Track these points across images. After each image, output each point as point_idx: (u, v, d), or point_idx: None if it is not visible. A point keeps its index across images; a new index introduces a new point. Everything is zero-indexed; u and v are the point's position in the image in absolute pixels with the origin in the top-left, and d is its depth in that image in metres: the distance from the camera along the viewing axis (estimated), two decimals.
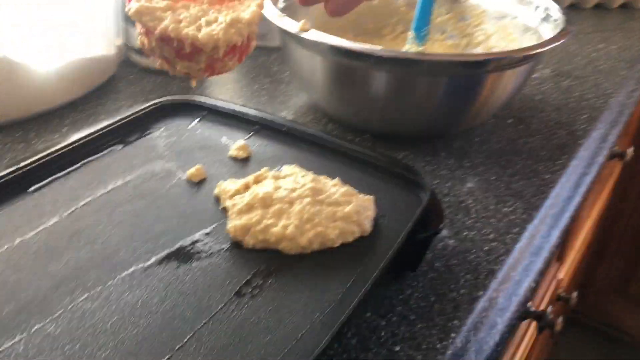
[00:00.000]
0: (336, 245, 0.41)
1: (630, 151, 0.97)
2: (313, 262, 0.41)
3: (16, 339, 0.33)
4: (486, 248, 0.51)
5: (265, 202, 0.42)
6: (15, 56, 0.59)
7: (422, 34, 0.71)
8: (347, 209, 0.42)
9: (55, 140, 0.56)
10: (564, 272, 0.91)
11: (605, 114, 0.75)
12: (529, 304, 0.65)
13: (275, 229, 0.40)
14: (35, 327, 0.34)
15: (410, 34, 0.71)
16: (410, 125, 0.63)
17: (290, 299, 0.37)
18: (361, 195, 0.45)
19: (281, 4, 0.68)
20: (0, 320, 0.34)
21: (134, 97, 0.70)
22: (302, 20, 0.57)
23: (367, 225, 0.43)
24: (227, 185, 0.45)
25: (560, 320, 0.83)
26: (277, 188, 0.44)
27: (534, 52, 0.57)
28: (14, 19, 0.58)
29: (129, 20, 0.73)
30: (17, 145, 0.59)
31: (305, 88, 0.67)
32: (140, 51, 0.74)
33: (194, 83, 0.43)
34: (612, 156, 0.96)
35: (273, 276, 0.39)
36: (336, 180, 0.47)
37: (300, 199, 0.42)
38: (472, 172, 0.61)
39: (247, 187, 0.45)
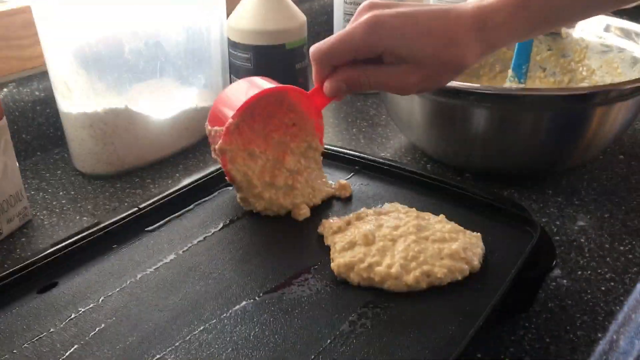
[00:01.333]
0: (444, 283, 0.41)
1: None
2: (421, 299, 0.40)
3: None
4: (603, 288, 0.48)
5: (368, 239, 0.43)
6: (135, 107, 0.64)
7: (522, 71, 0.70)
8: (454, 246, 0.42)
9: (169, 185, 0.60)
10: None
11: None
12: None
13: (380, 268, 0.40)
14: (157, 357, 0.35)
15: (510, 72, 0.70)
16: (514, 163, 0.62)
17: (399, 336, 0.37)
18: (468, 232, 0.45)
19: None
20: (125, 350, 0.36)
21: None
22: None
23: (476, 262, 0.42)
24: (331, 223, 0.46)
25: None
26: (380, 225, 0.44)
27: None
28: (136, 70, 0.63)
29: (234, 71, 0.78)
30: (135, 190, 0.63)
31: (404, 129, 0.68)
32: None
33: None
34: None
35: (381, 313, 0.39)
36: (441, 217, 0.46)
37: (404, 236, 0.42)
38: (583, 210, 0.58)
39: (349, 224, 0.46)
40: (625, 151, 0.69)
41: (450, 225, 0.44)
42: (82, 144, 0.64)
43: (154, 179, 0.66)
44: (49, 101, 0.69)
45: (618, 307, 0.46)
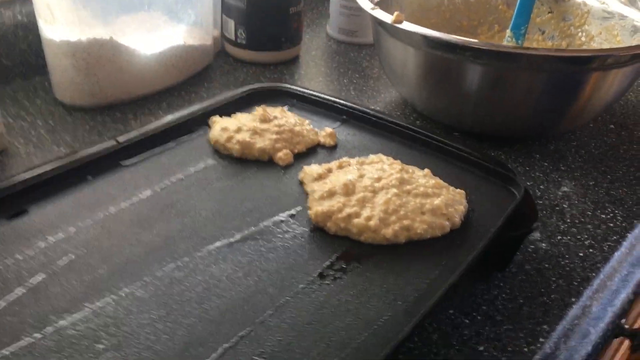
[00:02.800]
0: (424, 238, 0.40)
1: None
2: (398, 252, 0.40)
3: (107, 300, 0.34)
4: (581, 254, 0.48)
5: (348, 188, 0.42)
6: (121, 39, 0.62)
7: (520, 32, 0.68)
8: (437, 201, 0.41)
9: (151, 122, 0.58)
10: None
11: None
12: (623, 321, 0.61)
13: (358, 220, 0.40)
14: (126, 290, 0.35)
15: (508, 32, 0.69)
16: (504, 124, 0.61)
17: (372, 285, 0.36)
18: (452, 188, 0.44)
19: None
20: (93, 281, 0.35)
21: (227, 86, 0.72)
22: (396, 12, 0.56)
23: (457, 219, 0.41)
24: (311, 170, 0.45)
25: None
26: (361, 176, 0.43)
27: None
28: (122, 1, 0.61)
29: (227, 12, 0.75)
30: (116, 125, 0.62)
31: (396, 82, 0.66)
32: (235, 42, 0.76)
33: None
34: None
35: (356, 262, 0.38)
36: (426, 172, 0.46)
37: (385, 189, 0.41)
38: (568, 176, 0.58)
39: (330, 172, 0.45)
40: (617, 121, 0.68)
41: (435, 181, 0.44)
42: (64, 74, 0.62)
43: (136, 114, 0.64)
44: (32, 27, 0.67)
45: (594, 274, 0.46)
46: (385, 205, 0.40)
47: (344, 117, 0.55)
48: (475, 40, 0.53)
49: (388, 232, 0.39)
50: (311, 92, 0.57)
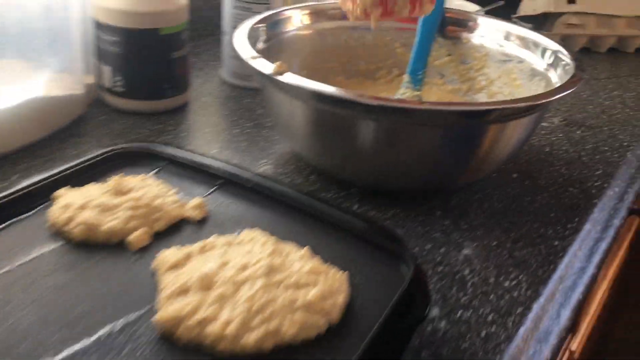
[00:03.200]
0: (295, 343, 0.33)
1: None
2: None
3: None
4: (483, 334, 0.43)
5: (205, 283, 0.35)
6: None
7: (418, 77, 0.64)
8: (312, 293, 0.35)
9: (1, 190, 0.50)
10: (577, 342, 0.82)
11: (622, 169, 0.67)
12: None
13: (213, 327, 0.32)
14: None
15: (406, 77, 0.64)
16: (402, 180, 0.56)
17: None
18: (332, 272, 0.38)
19: (261, 44, 0.62)
20: None
21: (100, 141, 0.64)
22: (278, 62, 0.51)
23: (335, 314, 0.35)
24: (166, 256, 0.38)
25: None
26: (225, 263, 0.36)
27: (540, 102, 0.50)
28: None
29: (101, 57, 0.67)
30: None
31: (286, 136, 0.60)
32: (111, 90, 0.68)
33: (373, 25, 0.50)
34: (630, 212, 0.88)
35: None
36: (304, 251, 0.39)
37: (251, 280, 0.35)
38: (470, 236, 0.53)
39: (189, 258, 0.38)
40: (520, 169, 0.65)
41: (312, 264, 0.37)
42: None
43: None
44: None
45: (498, 357, 0.41)
46: (249, 304, 0.33)
47: (220, 181, 0.48)
48: (364, 95, 0.48)
49: (249, 340, 0.32)
50: (182, 153, 0.50)
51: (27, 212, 0.43)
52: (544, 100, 0.51)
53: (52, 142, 0.62)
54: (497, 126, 0.53)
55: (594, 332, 1.02)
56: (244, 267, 0.36)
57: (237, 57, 0.79)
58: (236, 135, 0.68)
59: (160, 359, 0.32)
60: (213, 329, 0.32)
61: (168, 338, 0.33)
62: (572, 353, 0.76)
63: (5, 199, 0.42)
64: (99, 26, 0.66)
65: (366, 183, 0.57)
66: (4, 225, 0.41)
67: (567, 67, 0.59)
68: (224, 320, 0.33)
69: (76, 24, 0.64)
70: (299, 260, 0.38)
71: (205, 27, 0.96)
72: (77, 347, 0.32)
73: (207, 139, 0.67)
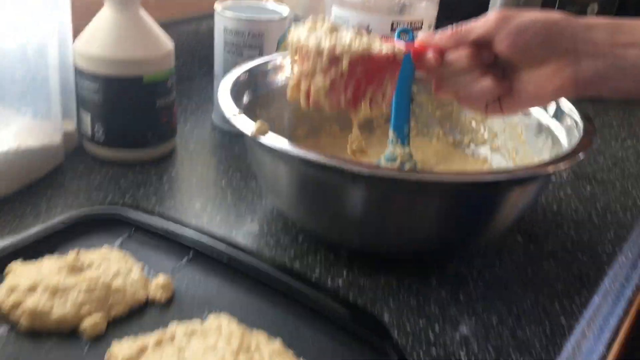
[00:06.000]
0: None
1: None
2: None
3: None
4: None
5: None
6: None
7: (404, 133, 0.59)
8: None
9: None
10: None
11: (635, 231, 0.62)
12: None
13: None
14: None
15: (391, 133, 0.60)
16: (394, 247, 0.52)
17: None
18: None
19: (249, 95, 0.58)
20: None
21: (76, 195, 0.60)
22: (259, 121, 0.47)
23: None
24: (117, 351, 0.34)
25: None
26: None
27: (547, 172, 0.46)
28: None
29: (81, 103, 0.64)
30: None
31: (271, 195, 0.56)
32: (92, 139, 0.65)
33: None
34: None
35: None
36: (276, 344, 0.35)
37: None
38: (468, 311, 0.49)
39: (143, 352, 0.33)
40: (525, 231, 0.60)
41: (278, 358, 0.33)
42: None
43: None
44: None
45: None
46: None
47: (192, 252, 0.44)
48: (350, 162, 0.44)
49: None
50: (153, 220, 0.46)
51: None
52: (550, 171, 0.46)
53: (26, 197, 0.58)
54: (499, 195, 0.48)
55: None
56: None
57: None
58: (223, 187, 0.64)
59: None
60: None
61: None
62: None
63: None
64: (79, 73, 0.63)
65: (355, 248, 0.53)
66: None
67: (574, 121, 0.55)
68: None
69: (53, 70, 0.60)
70: (268, 357, 0.33)
71: (200, 67, 0.93)
72: None
73: (192, 192, 0.63)
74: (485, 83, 0.46)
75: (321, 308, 0.38)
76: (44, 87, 0.59)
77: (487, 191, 0.46)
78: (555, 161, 0.47)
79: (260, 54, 0.70)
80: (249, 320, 0.37)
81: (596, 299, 0.52)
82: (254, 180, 0.65)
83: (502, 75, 0.46)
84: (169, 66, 0.64)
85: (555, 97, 0.46)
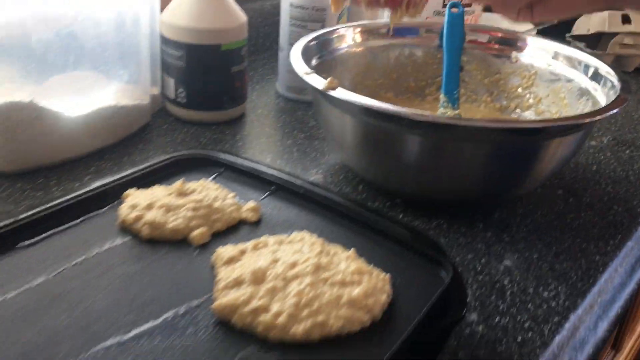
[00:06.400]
0: (340, 335, 0.36)
1: None
2: (311, 351, 0.36)
3: None
4: (519, 339, 0.45)
5: (257, 277, 0.38)
6: (43, 101, 0.58)
7: (454, 96, 0.66)
8: (356, 291, 0.38)
9: (74, 188, 0.55)
10: None
11: None
12: None
13: (265, 317, 0.36)
14: None
15: (442, 97, 0.67)
16: (446, 193, 0.58)
17: None
18: (375, 273, 0.41)
19: (315, 61, 0.65)
20: None
21: (163, 148, 0.68)
22: (329, 78, 0.54)
23: (378, 311, 0.38)
24: (222, 252, 0.41)
25: None
26: (275, 260, 0.39)
27: (583, 121, 0.52)
28: (44, 61, 0.58)
29: (165, 69, 0.73)
30: (36, 193, 0.58)
31: (336, 147, 0.64)
32: (175, 101, 0.73)
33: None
34: None
35: None
36: (350, 253, 0.42)
37: (300, 277, 0.38)
38: (511, 249, 0.55)
39: (243, 254, 0.41)
40: (565, 186, 0.66)
41: (357, 265, 0.40)
42: None
43: (60, 180, 0.60)
44: None
45: None
46: (297, 298, 0.37)
47: (273, 187, 0.52)
48: (408, 110, 0.51)
49: (299, 330, 0.35)
50: (239, 160, 0.54)
51: (99, 209, 0.47)
52: (585, 120, 0.52)
53: (120, 148, 0.67)
54: (541, 144, 0.54)
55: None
56: (294, 265, 0.39)
57: (292, 71, 0.84)
58: (289, 145, 0.72)
59: (218, 341, 0.35)
60: (265, 318, 0.36)
61: (225, 323, 0.37)
62: None
63: (80, 198, 0.47)
64: (165, 41, 0.71)
65: (410, 194, 0.60)
66: (79, 220, 0.46)
67: (614, 87, 0.60)
68: (275, 312, 0.36)
69: (144, 38, 0.69)
70: (344, 260, 0.41)
71: (264, 42, 1.01)
72: (145, 327, 0.36)
73: (262, 148, 0.71)
74: None
75: (386, 230, 0.45)
76: (136, 54, 0.68)
77: (528, 138, 0.53)
78: (590, 114, 0.53)
79: (323, 27, 0.77)
80: (325, 237, 0.44)
81: (629, 244, 0.58)
82: (316, 140, 0.73)
83: None
84: (243, 36, 0.72)
85: (585, 7, 0.47)
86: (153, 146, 0.69)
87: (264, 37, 1.00)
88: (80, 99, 0.62)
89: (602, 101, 0.61)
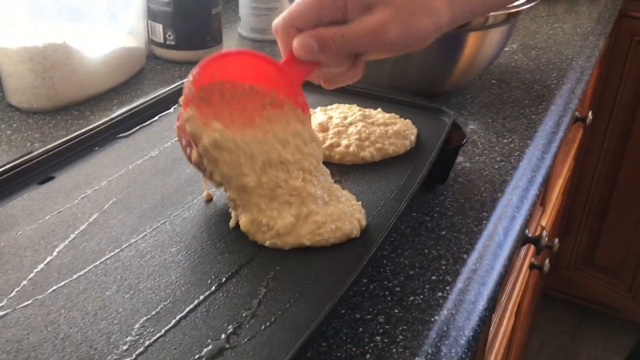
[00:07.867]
0: (393, 156, 0.51)
1: (590, 115, 1.11)
2: (370, 169, 0.50)
3: (160, 223, 0.41)
4: (496, 166, 0.62)
5: (323, 126, 0.52)
6: (72, 43, 0.67)
7: None
8: (397, 126, 0.52)
9: (110, 115, 0.65)
10: (546, 219, 1.03)
11: (571, 72, 0.88)
12: (527, 230, 0.76)
13: (339, 149, 0.50)
14: (174, 214, 0.42)
15: None
16: (412, 83, 0.74)
17: (358, 192, 0.47)
18: (401, 119, 0.56)
19: None
20: (143, 213, 0.42)
21: (164, 84, 0.79)
22: None
23: (413, 139, 0.53)
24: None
25: (547, 263, 0.95)
26: (330, 118, 0.53)
27: (511, 11, 0.70)
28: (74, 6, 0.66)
29: (153, 17, 0.83)
30: (78, 121, 0.67)
31: None
32: (164, 44, 0.83)
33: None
34: (576, 120, 1.10)
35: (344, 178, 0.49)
36: (378, 110, 0.57)
37: (354, 123, 0.52)
38: (471, 118, 0.72)
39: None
40: (496, 77, 0.85)
41: (389, 115, 0.55)
42: (20, 79, 0.66)
43: (93, 111, 0.70)
44: None
45: (509, 177, 0.60)
46: (358, 135, 0.51)
47: None
48: None
49: (366, 154, 0.50)
50: None
51: (167, 110, 0.58)
52: (514, 10, 0.70)
53: (130, 85, 0.77)
54: (478, 34, 0.71)
55: (553, 229, 1.24)
56: (345, 117, 0.53)
57: (255, 13, 0.96)
58: None
59: None
60: (340, 149, 0.50)
61: None
62: (542, 227, 0.96)
63: (152, 101, 0.58)
64: None
65: (389, 86, 0.75)
66: (156, 118, 0.57)
67: None
68: (345, 145, 0.50)
69: None
70: (379, 113, 0.55)
71: None
72: None
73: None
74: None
75: (391, 95, 0.60)
76: (135, 4, 0.77)
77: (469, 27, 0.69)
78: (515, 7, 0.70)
79: None
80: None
81: (552, 107, 0.77)
82: None
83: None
84: None
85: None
86: (155, 82, 0.79)
87: None
88: (98, 42, 0.72)
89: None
